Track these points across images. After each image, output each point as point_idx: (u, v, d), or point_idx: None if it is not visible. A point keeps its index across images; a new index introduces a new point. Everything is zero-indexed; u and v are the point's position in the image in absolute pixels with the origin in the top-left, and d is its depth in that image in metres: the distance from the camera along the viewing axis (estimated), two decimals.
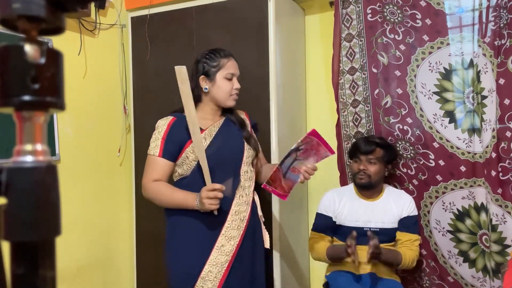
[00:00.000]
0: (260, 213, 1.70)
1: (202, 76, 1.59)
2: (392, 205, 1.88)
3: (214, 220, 1.55)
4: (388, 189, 1.96)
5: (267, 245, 1.71)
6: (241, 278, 1.59)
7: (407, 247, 1.83)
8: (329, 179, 2.21)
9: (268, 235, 1.72)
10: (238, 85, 1.62)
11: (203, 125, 1.59)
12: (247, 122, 1.73)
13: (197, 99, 1.60)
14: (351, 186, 1.99)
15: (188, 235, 1.57)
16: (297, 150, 1.53)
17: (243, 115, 1.74)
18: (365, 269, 1.82)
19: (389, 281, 1.83)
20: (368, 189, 1.89)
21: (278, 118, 2.06)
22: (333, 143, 2.15)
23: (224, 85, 1.59)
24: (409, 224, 1.86)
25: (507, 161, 1.75)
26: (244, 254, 1.60)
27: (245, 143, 1.64)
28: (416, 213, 1.90)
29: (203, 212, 1.50)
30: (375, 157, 1.86)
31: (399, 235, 1.85)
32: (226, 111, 1.67)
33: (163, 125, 1.58)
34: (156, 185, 1.53)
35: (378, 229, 1.84)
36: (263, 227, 1.71)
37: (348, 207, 1.90)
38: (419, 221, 2.01)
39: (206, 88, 1.59)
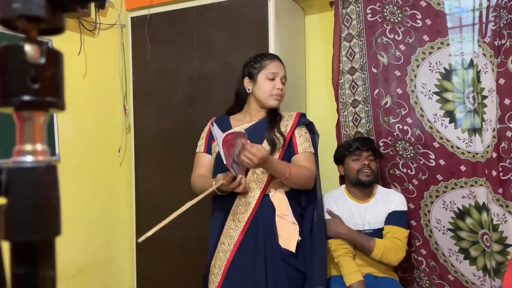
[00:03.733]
0: (286, 216, 1.57)
1: (246, 78, 1.67)
2: (381, 205, 1.89)
3: (222, 215, 1.62)
4: (376, 189, 1.96)
5: (286, 246, 1.55)
6: (239, 281, 1.56)
7: (388, 239, 1.81)
8: (329, 180, 2.21)
9: (296, 238, 1.56)
10: (280, 85, 1.63)
11: (235, 124, 1.68)
12: (286, 122, 1.66)
13: (242, 102, 1.70)
14: (341, 189, 1.97)
15: (211, 220, 1.70)
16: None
17: (287, 115, 1.69)
18: (363, 271, 1.82)
19: (387, 280, 1.84)
20: (369, 186, 1.90)
21: None
22: (333, 143, 2.16)
23: (265, 85, 1.64)
24: (394, 218, 1.85)
25: (508, 161, 1.75)
26: (244, 257, 1.56)
27: (265, 142, 1.60)
28: (404, 209, 1.89)
29: (220, 203, 1.62)
30: (372, 154, 1.91)
31: (385, 228, 1.85)
32: (270, 112, 1.67)
33: (207, 125, 1.76)
34: (197, 180, 1.66)
35: (372, 231, 1.85)
36: (290, 229, 1.57)
37: (346, 211, 1.89)
38: (418, 220, 2.02)
39: (249, 89, 1.67)
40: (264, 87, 1.64)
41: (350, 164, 1.90)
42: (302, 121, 1.69)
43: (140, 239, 1.15)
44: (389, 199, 1.90)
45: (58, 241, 0.38)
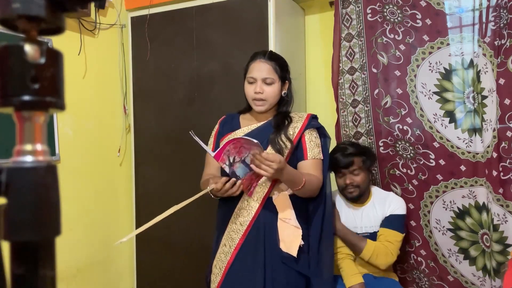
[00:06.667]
0: (289, 220, 1.54)
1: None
2: (377, 209, 1.87)
3: (226, 217, 1.61)
4: (374, 191, 1.93)
5: (287, 250, 1.52)
6: (237, 283, 1.56)
7: (380, 242, 1.80)
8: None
9: (299, 242, 1.52)
10: (257, 89, 1.54)
11: (244, 124, 1.65)
12: (295, 124, 1.60)
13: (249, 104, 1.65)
14: (338, 194, 1.95)
15: (217, 220, 1.70)
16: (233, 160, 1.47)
17: (297, 116, 1.64)
18: (361, 271, 1.82)
19: (387, 280, 1.84)
20: (357, 200, 1.87)
21: None
22: (332, 143, 2.15)
23: (246, 89, 1.60)
24: (390, 221, 1.84)
25: (508, 161, 1.75)
26: (244, 260, 1.55)
27: (269, 146, 1.55)
28: (402, 213, 1.86)
29: (224, 205, 1.61)
30: (357, 167, 1.83)
31: (380, 230, 1.84)
32: (278, 115, 1.62)
33: (216, 124, 1.72)
34: (203, 179, 1.63)
35: (368, 234, 1.85)
36: (293, 233, 1.53)
37: (344, 215, 1.88)
38: (418, 221, 2.01)
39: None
40: (246, 91, 1.60)
41: (336, 179, 1.89)
42: (312, 124, 1.63)
43: (117, 243, 1.12)
44: (386, 203, 1.87)
45: (58, 241, 0.38)
